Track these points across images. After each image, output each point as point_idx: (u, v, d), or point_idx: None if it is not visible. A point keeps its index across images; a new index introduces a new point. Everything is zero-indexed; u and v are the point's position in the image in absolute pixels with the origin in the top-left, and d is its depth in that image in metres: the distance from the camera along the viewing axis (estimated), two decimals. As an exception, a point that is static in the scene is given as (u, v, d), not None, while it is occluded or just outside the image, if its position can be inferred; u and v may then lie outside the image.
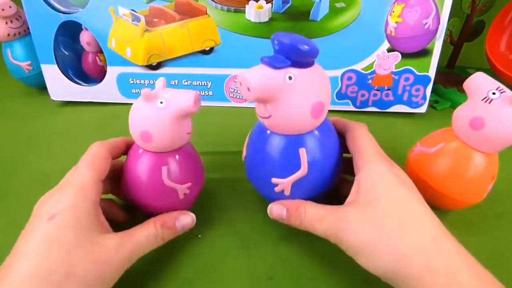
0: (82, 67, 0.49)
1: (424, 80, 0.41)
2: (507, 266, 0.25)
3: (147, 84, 0.45)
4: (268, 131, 0.25)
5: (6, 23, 0.45)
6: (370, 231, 0.21)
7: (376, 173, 0.23)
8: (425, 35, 0.39)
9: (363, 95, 0.43)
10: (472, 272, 0.19)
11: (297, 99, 0.22)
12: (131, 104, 0.24)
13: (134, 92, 0.46)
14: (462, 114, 0.25)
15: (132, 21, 0.41)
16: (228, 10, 0.41)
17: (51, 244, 0.20)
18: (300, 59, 0.21)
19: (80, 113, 0.45)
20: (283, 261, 0.25)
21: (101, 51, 0.46)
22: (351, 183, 0.24)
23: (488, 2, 0.48)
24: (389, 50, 0.40)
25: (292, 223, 0.24)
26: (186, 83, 0.45)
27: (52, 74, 0.45)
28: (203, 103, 0.46)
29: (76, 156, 0.25)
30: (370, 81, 0.42)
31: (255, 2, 0.40)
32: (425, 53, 0.40)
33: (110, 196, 0.28)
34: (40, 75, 0.46)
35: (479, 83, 0.24)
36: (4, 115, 0.46)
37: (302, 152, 0.24)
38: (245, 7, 0.40)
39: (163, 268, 0.25)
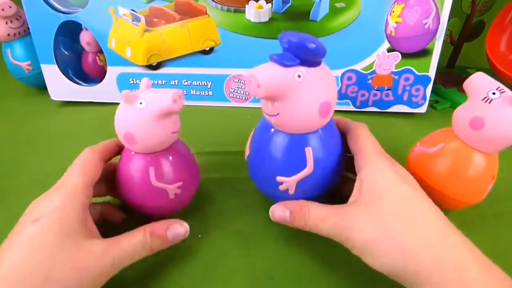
0: (82, 67, 0.49)
1: (424, 80, 0.41)
2: (507, 266, 0.25)
3: (147, 84, 0.45)
4: (272, 130, 0.25)
5: (6, 23, 0.45)
6: (374, 229, 0.21)
7: (377, 171, 0.23)
8: (425, 35, 0.39)
9: (363, 95, 0.43)
10: (480, 266, 0.19)
11: (306, 97, 0.22)
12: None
13: (134, 92, 0.46)
14: (462, 114, 0.25)
15: (132, 21, 0.41)
16: (228, 10, 0.41)
17: (32, 247, 0.19)
18: (308, 57, 0.21)
19: (80, 113, 0.45)
20: (283, 261, 0.25)
21: (101, 51, 0.46)
22: (353, 181, 0.24)
23: (488, 2, 0.48)
24: (389, 50, 0.40)
25: (296, 224, 0.24)
26: (186, 83, 0.45)
27: (52, 74, 0.45)
28: (203, 103, 0.46)
29: (76, 156, 0.25)
30: (370, 81, 0.42)
31: (255, 2, 0.40)
32: (425, 53, 0.40)
33: (108, 198, 0.28)
34: (40, 75, 0.46)
35: (479, 83, 0.24)
36: (4, 115, 0.46)
37: (308, 151, 0.24)
38: (245, 7, 0.40)
39: (163, 268, 0.25)
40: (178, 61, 0.43)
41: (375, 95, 0.43)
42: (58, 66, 0.45)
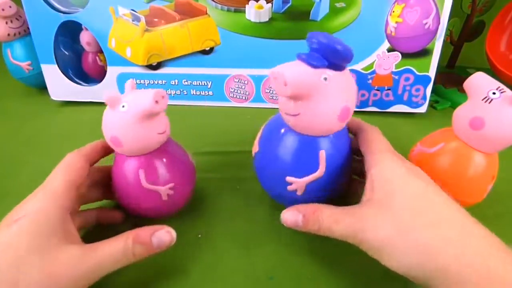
0: (82, 67, 0.49)
1: (424, 80, 0.41)
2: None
3: (147, 84, 0.45)
4: (283, 130, 0.24)
5: (6, 23, 0.45)
6: (389, 227, 0.20)
7: (388, 169, 0.23)
8: (425, 35, 0.39)
9: (363, 95, 0.43)
10: (503, 258, 0.18)
11: (329, 100, 0.22)
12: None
13: (134, 92, 0.46)
14: (462, 114, 0.25)
15: (132, 21, 0.41)
16: (228, 10, 0.41)
17: (4, 250, 0.19)
18: (336, 60, 0.21)
19: (80, 113, 0.45)
20: (283, 261, 0.25)
21: (101, 51, 0.46)
22: (358, 181, 0.24)
23: (488, 2, 0.48)
24: (389, 50, 0.40)
25: (309, 228, 0.23)
26: (186, 83, 0.45)
27: (52, 74, 0.45)
28: (203, 103, 0.46)
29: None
30: (370, 81, 0.42)
31: (255, 2, 0.40)
32: (425, 53, 0.40)
33: (106, 202, 0.28)
34: (40, 75, 0.46)
35: (479, 83, 0.24)
36: (4, 115, 0.46)
37: (322, 154, 0.23)
38: (245, 7, 0.40)
39: (163, 268, 0.25)
40: (178, 61, 0.43)
41: (375, 95, 0.43)
42: (58, 66, 0.45)
